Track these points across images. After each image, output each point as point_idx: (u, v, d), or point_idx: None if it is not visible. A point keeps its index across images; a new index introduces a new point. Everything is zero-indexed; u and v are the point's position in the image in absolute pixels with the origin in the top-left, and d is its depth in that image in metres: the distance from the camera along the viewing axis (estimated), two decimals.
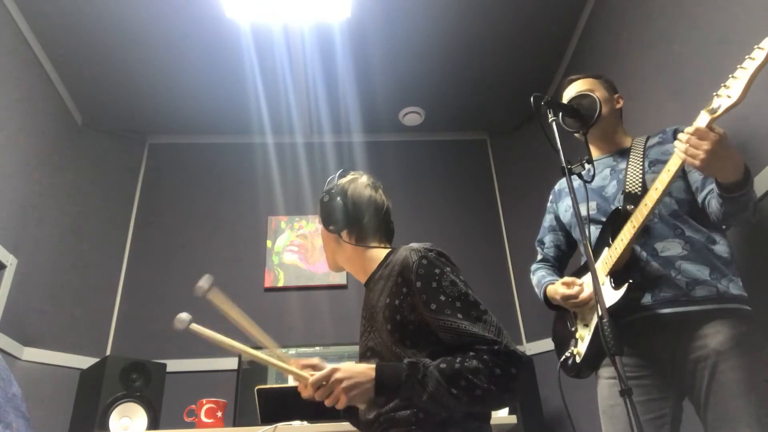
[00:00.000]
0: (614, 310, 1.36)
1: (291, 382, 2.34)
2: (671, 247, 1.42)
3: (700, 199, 1.44)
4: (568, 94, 1.68)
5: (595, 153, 1.70)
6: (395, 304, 1.14)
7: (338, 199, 1.30)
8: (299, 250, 3.07)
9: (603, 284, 1.43)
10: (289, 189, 3.25)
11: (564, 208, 1.75)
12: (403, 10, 2.57)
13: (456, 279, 1.12)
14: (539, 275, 1.74)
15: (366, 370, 1.05)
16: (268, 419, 2.02)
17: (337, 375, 1.05)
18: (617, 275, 1.42)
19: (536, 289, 1.74)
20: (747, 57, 1.13)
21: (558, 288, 1.55)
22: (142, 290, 2.92)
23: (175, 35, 2.63)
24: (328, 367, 1.09)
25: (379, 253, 1.29)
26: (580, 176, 1.40)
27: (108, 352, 2.73)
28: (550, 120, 1.45)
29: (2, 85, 2.34)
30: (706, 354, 1.31)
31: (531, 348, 2.86)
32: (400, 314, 1.12)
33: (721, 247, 1.41)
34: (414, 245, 1.19)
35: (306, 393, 1.12)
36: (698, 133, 1.21)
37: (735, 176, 1.26)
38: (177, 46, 2.69)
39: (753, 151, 1.51)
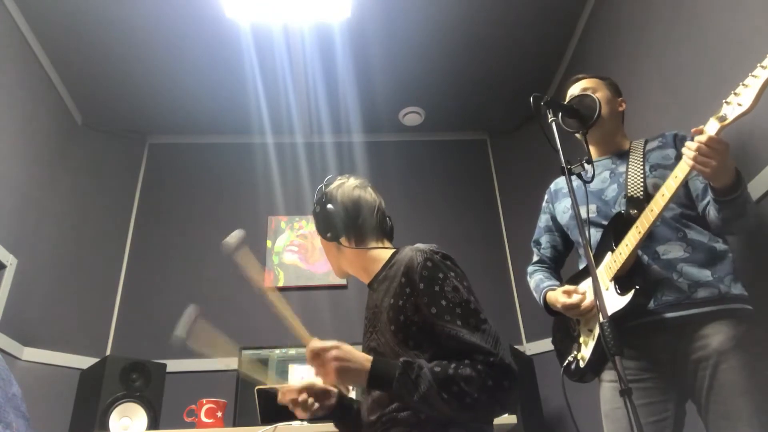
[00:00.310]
0: (619, 316, 1.36)
1: (291, 382, 2.34)
2: (672, 250, 1.42)
3: (700, 208, 1.45)
4: (572, 92, 1.68)
5: (593, 154, 1.69)
6: (399, 305, 1.14)
7: (329, 206, 1.30)
8: (299, 250, 3.07)
9: (607, 289, 1.43)
10: (289, 189, 3.25)
11: (561, 209, 1.74)
12: (403, 10, 2.57)
13: (459, 285, 1.11)
14: (537, 279, 1.73)
15: (364, 360, 1.06)
16: (268, 419, 2.02)
17: (335, 353, 1.05)
18: (621, 280, 1.41)
19: (534, 293, 1.73)
20: (759, 65, 1.12)
21: (559, 297, 1.54)
22: (142, 290, 2.92)
23: (175, 35, 2.63)
24: (334, 342, 1.10)
25: (382, 254, 1.29)
26: (579, 176, 1.40)
27: (108, 352, 2.73)
28: (549, 120, 1.45)
29: (2, 85, 2.34)
30: (708, 354, 1.31)
31: (531, 348, 2.86)
32: (404, 315, 1.12)
33: (722, 249, 1.41)
34: (420, 246, 1.18)
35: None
36: (710, 142, 1.21)
37: (728, 180, 1.27)
38: (177, 46, 2.69)
39: (753, 151, 1.51)
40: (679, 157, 1.28)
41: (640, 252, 1.44)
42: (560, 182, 1.79)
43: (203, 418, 2.21)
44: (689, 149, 1.24)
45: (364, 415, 1.21)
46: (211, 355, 1.21)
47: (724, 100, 1.19)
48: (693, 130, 1.26)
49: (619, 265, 1.40)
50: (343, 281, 2.97)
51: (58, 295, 2.66)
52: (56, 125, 2.84)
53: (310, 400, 1.23)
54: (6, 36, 2.39)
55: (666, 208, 1.32)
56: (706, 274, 1.37)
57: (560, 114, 1.55)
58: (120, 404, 2.12)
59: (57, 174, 2.80)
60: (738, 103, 1.16)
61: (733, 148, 1.48)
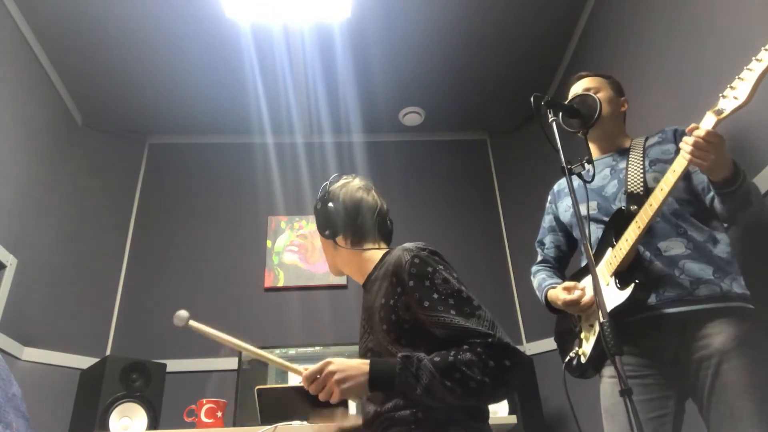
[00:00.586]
0: (620, 311, 1.36)
1: (291, 381, 2.34)
2: (674, 246, 1.42)
3: (707, 200, 1.44)
4: (575, 90, 1.68)
5: (595, 153, 1.69)
6: (390, 304, 1.14)
7: (330, 204, 1.32)
8: (299, 250, 3.07)
9: (608, 285, 1.43)
10: (289, 189, 3.25)
11: (564, 208, 1.74)
12: (403, 10, 2.58)
13: (449, 276, 1.12)
14: (540, 278, 1.73)
15: (360, 364, 1.06)
16: (268, 419, 2.02)
17: (330, 368, 1.06)
18: (622, 275, 1.41)
19: (537, 293, 1.74)
20: (753, 58, 1.13)
21: (559, 294, 1.54)
22: (142, 290, 2.92)
23: (175, 35, 2.63)
24: (324, 360, 1.10)
25: (376, 255, 1.30)
26: (580, 176, 1.40)
27: (108, 352, 2.73)
28: (550, 120, 1.45)
29: (2, 85, 2.34)
30: (710, 353, 1.30)
31: (531, 348, 2.86)
32: (395, 314, 1.13)
33: (724, 246, 1.41)
34: (407, 245, 1.19)
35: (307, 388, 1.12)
36: (707, 136, 1.21)
37: (725, 172, 1.27)
38: (177, 46, 2.69)
39: (753, 151, 1.51)
40: (678, 151, 1.28)
41: (641, 248, 1.44)
42: (563, 183, 1.80)
43: (203, 418, 2.21)
44: (686, 144, 1.25)
45: (363, 413, 1.21)
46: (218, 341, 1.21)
47: (720, 94, 1.19)
48: (687, 129, 1.26)
49: (620, 260, 1.40)
50: (343, 281, 2.97)
51: (58, 295, 2.66)
52: (56, 125, 2.84)
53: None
54: (6, 36, 2.39)
55: (665, 202, 1.32)
56: (707, 272, 1.37)
57: (561, 114, 1.55)
58: (120, 404, 2.12)
59: (57, 174, 2.80)
60: (734, 96, 1.16)
61: (733, 148, 1.48)
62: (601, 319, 1.12)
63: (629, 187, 1.51)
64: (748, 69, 1.14)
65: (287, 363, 1.18)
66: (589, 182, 1.45)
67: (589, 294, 1.48)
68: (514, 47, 2.83)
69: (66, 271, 2.74)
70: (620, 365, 1.06)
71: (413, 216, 3.17)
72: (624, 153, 1.61)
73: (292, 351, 2.49)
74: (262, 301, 2.93)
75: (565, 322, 1.64)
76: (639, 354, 1.44)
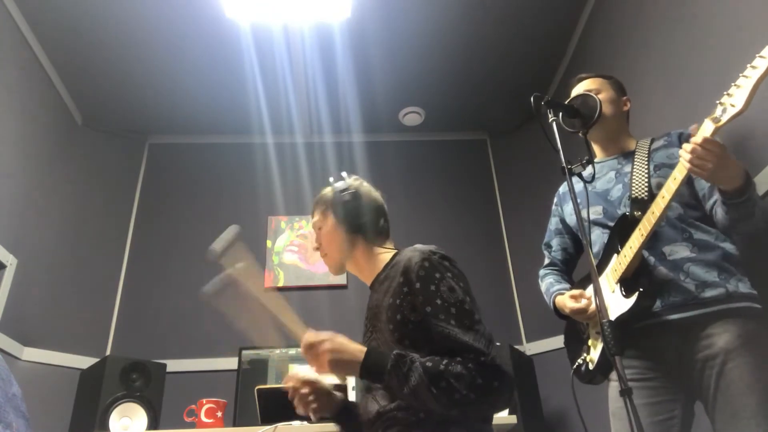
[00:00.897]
0: (626, 318, 1.36)
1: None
2: (679, 251, 1.42)
3: (707, 207, 1.44)
4: (576, 92, 1.68)
5: (599, 155, 1.69)
6: (397, 304, 1.15)
7: (361, 200, 1.32)
8: (299, 250, 3.07)
9: (613, 292, 1.43)
10: (289, 189, 3.25)
11: (569, 210, 1.74)
12: (403, 10, 2.57)
13: (455, 285, 1.12)
14: (548, 282, 1.73)
15: (357, 351, 1.08)
16: (268, 419, 2.02)
17: (328, 345, 1.08)
18: (627, 283, 1.41)
19: (545, 297, 1.74)
20: (749, 66, 1.12)
21: (566, 301, 1.55)
22: (142, 290, 2.92)
23: (175, 35, 2.63)
24: (328, 333, 1.12)
25: (388, 255, 1.31)
26: (580, 176, 1.40)
27: (108, 352, 2.73)
28: (550, 120, 1.45)
29: (2, 85, 2.34)
30: (714, 353, 1.30)
31: (531, 348, 2.86)
32: (401, 314, 1.13)
33: (729, 248, 1.40)
34: (419, 246, 1.20)
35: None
36: (704, 143, 1.21)
37: (737, 182, 1.26)
38: (177, 46, 2.69)
39: (753, 151, 1.51)
40: None
41: (646, 253, 1.44)
42: None
43: (203, 418, 2.20)
44: (685, 151, 1.24)
45: (363, 414, 1.21)
46: (237, 276, 1.24)
47: (717, 101, 1.19)
48: (691, 128, 1.25)
49: (624, 267, 1.40)
50: (343, 281, 2.97)
51: (58, 295, 2.66)
52: (56, 125, 2.84)
53: (311, 396, 1.24)
54: (6, 36, 2.39)
55: (667, 209, 1.31)
56: (713, 274, 1.36)
57: (561, 114, 1.55)
58: (120, 404, 2.12)
59: (57, 174, 2.80)
60: (731, 104, 1.16)
61: (734, 148, 1.48)
62: (602, 320, 1.12)
63: (634, 192, 1.51)
64: (743, 76, 1.14)
65: (295, 322, 1.21)
66: (590, 182, 1.45)
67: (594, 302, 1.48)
68: (514, 47, 2.83)
69: (66, 271, 2.74)
70: (620, 365, 1.06)
71: (413, 216, 3.17)
72: (629, 156, 1.60)
73: (292, 351, 2.49)
74: (262, 302, 2.92)
75: (574, 328, 1.64)
76: (644, 357, 1.44)
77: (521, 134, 3.36)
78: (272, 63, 2.84)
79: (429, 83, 3.05)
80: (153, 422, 2.16)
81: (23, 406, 0.69)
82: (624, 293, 1.40)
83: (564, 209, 1.77)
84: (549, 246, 1.82)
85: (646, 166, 1.52)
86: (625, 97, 1.69)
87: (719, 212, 1.37)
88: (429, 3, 2.55)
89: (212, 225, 3.11)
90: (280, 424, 1.98)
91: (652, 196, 1.43)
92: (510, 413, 2.17)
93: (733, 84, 1.16)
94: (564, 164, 1.35)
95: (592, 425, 1.74)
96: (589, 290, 1.55)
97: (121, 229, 3.06)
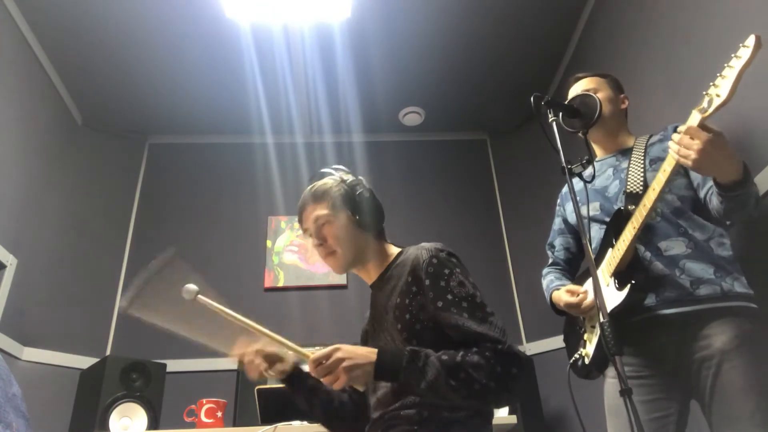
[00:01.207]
0: (619, 312, 1.36)
1: None
2: (675, 246, 1.42)
3: (701, 195, 1.44)
4: (574, 91, 1.68)
5: (598, 153, 1.69)
6: (405, 303, 1.15)
7: (374, 196, 1.30)
8: (299, 250, 3.07)
9: (608, 285, 1.44)
10: (289, 189, 3.25)
11: (570, 209, 1.74)
12: (403, 10, 2.57)
13: (464, 280, 1.13)
14: (548, 280, 1.74)
15: (367, 352, 1.05)
16: (268, 419, 2.02)
17: (339, 354, 1.04)
18: (621, 276, 1.41)
19: (545, 294, 1.74)
20: (733, 56, 1.13)
21: (562, 296, 1.55)
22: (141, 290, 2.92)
23: (175, 35, 2.63)
24: (333, 346, 1.09)
25: (394, 251, 1.30)
26: (580, 176, 1.40)
27: (108, 352, 2.73)
28: (550, 120, 1.45)
29: (2, 85, 2.34)
30: (711, 353, 1.30)
31: (531, 348, 2.86)
32: (410, 313, 1.13)
33: (725, 245, 1.40)
34: (425, 244, 1.20)
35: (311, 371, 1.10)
36: (690, 133, 1.21)
37: (733, 176, 1.25)
38: (177, 46, 2.69)
39: (753, 151, 1.51)
40: None
41: (642, 248, 1.44)
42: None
43: (203, 418, 2.20)
44: (673, 141, 1.25)
45: (369, 411, 1.22)
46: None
47: (704, 92, 1.19)
48: (679, 128, 1.25)
49: (618, 260, 1.40)
50: (343, 281, 2.97)
51: (58, 295, 2.66)
52: (56, 125, 2.84)
53: (263, 364, 1.24)
54: (6, 36, 2.39)
55: (659, 201, 1.31)
56: (708, 271, 1.36)
57: (561, 114, 1.55)
58: (120, 404, 2.12)
59: (57, 174, 2.80)
60: (716, 94, 1.16)
61: (735, 148, 1.48)
62: (601, 320, 1.12)
63: (629, 186, 1.51)
64: (728, 66, 1.14)
65: (296, 346, 1.17)
66: (590, 182, 1.45)
67: (590, 297, 1.48)
68: (514, 47, 2.83)
69: (66, 272, 2.74)
70: (620, 365, 1.06)
71: (413, 216, 3.17)
72: (627, 153, 1.61)
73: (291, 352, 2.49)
74: (262, 301, 2.93)
75: (572, 323, 1.65)
76: (640, 355, 1.44)
77: (521, 134, 3.36)
78: (272, 63, 2.84)
79: (429, 83, 3.05)
80: (153, 422, 2.17)
81: (23, 406, 0.69)
82: (617, 286, 1.41)
83: (566, 209, 1.78)
84: (552, 246, 1.82)
85: (642, 161, 1.53)
86: (623, 95, 1.69)
87: (714, 201, 1.36)
88: (429, 3, 2.55)
89: (212, 225, 3.13)
90: (280, 424, 1.98)
91: (647, 189, 1.44)
92: (510, 413, 2.17)
93: (718, 75, 1.16)
94: (564, 164, 1.35)
95: (590, 423, 1.74)
96: (586, 285, 1.56)
97: (121, 229, 3.06)
